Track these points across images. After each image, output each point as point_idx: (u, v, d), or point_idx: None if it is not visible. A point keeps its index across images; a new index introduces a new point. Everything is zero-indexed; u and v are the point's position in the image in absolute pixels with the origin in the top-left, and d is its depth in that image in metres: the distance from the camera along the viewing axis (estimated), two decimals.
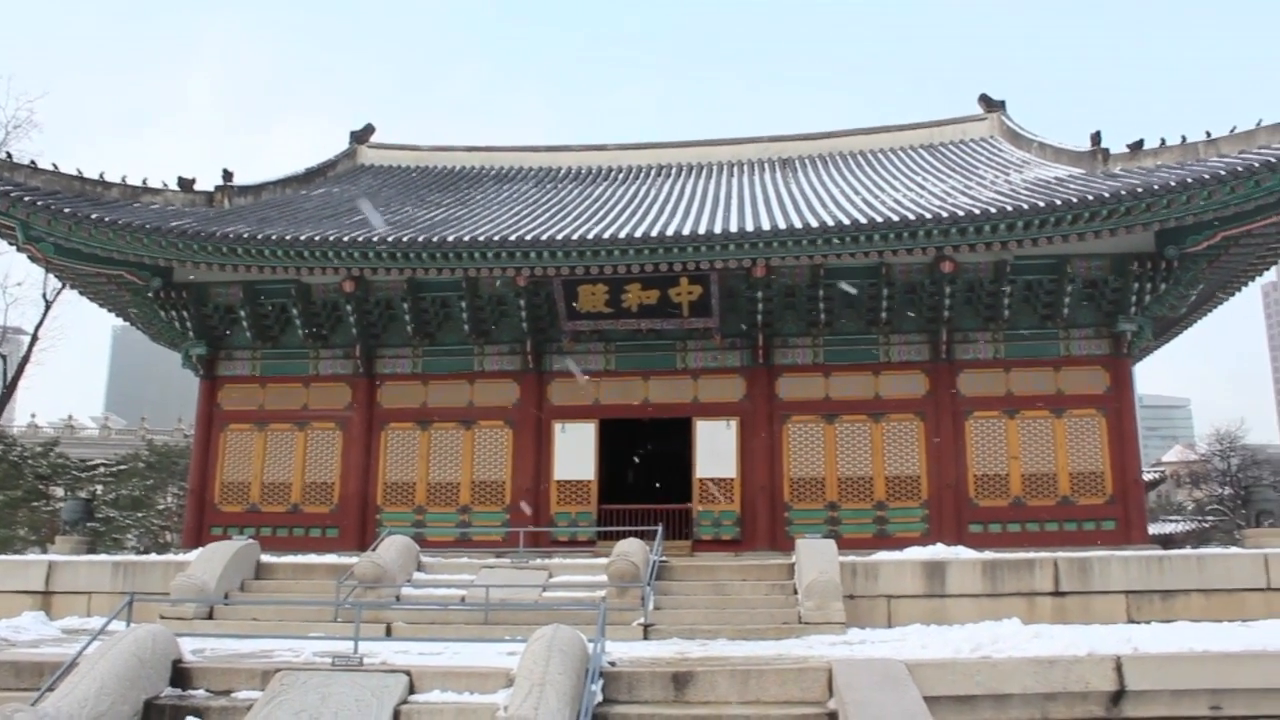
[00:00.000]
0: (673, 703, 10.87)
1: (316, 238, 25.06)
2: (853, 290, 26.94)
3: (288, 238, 25.09)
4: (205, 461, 28.82)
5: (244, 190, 31.06)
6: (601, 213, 28.91)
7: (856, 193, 29.17)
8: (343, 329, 28.79)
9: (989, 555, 17.75)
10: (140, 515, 44.75)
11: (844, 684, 10.17)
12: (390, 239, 24.94)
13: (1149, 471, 48.63)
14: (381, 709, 10.72)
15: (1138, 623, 16.06)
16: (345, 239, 25.01)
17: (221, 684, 11.74)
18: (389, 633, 16.17)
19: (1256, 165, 22.71)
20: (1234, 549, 20.65)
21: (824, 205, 27.40)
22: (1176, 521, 53.69)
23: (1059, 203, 23.43)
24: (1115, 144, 27.57)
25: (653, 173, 36.49)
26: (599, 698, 10.74)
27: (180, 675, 11.93)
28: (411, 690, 11.16)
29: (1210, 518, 50.56)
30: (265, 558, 19.71)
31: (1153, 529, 34.80)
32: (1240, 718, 11.06)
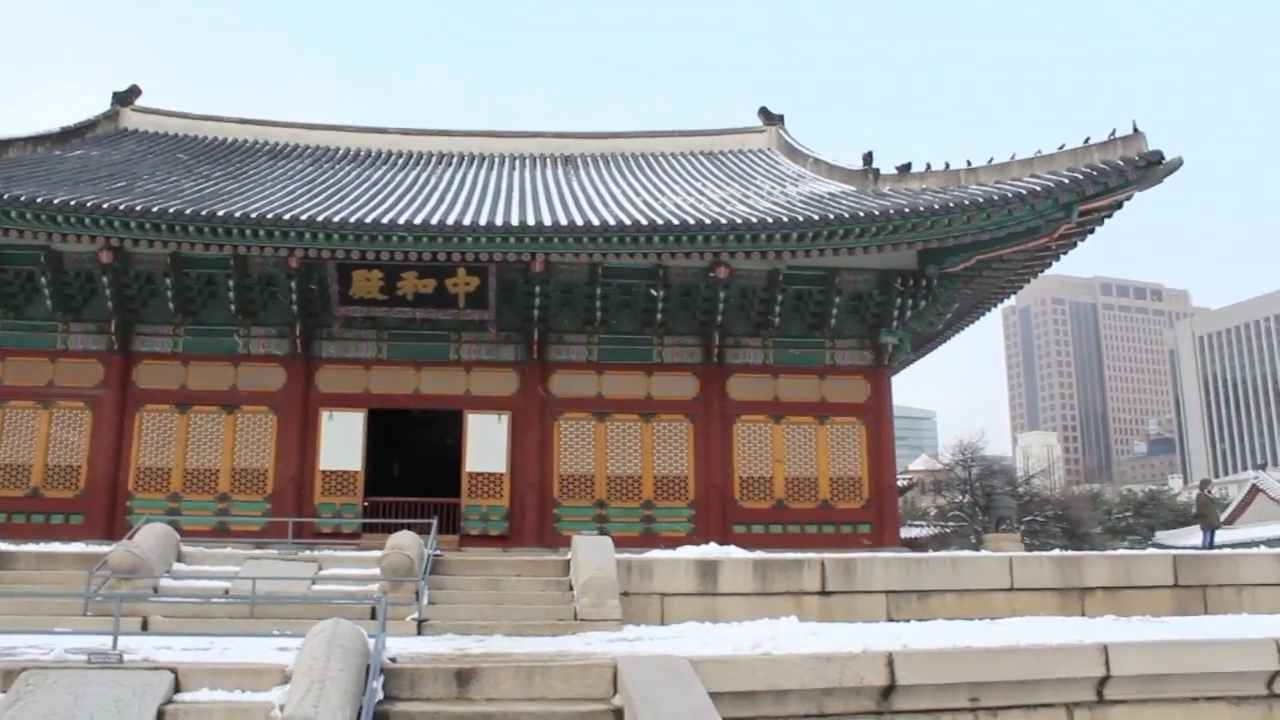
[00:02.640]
0: (456, 699, 10.63)
1: (72, 202, 23.42)
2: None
3: (39, 199, 23.35)
4: None
5: None
6: (380, 197, 28.22)
7: (637, 194, 29.55)
8: (97, 302, 26.95)
9: (760, 555, 18.18)
10: None
11: (630, 681, 10.18)
12: (154, 209, 23.58)
13: (899, 479, 51.21)
14: (144, 710, 10.01)
15: (897, 621, 16.77)
16: (105, 205, 23.46)
17: None
18: (145, 626, 15.18)
19: (1010, 195, 24.30)
20: (984, 553, 21.97)
21: (605, 204, 27.67)
22: (921, 526, 56.80)
23: (831, 217, 24.37)
24: (885, 164, 28.95)
25: (434, 160, 35.92)
26: (381, 695, 10.39)
27: None
28: (177, 689, 10.47)
29: (951, 523, 53.73)
30: (3, 546, 18.20)
31: (901, 533, 36.60)
32: (996, 708, 11.73)
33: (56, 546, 19.35)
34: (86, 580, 16.14)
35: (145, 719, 9.86)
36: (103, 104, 36.85)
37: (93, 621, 14.69)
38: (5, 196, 23.37)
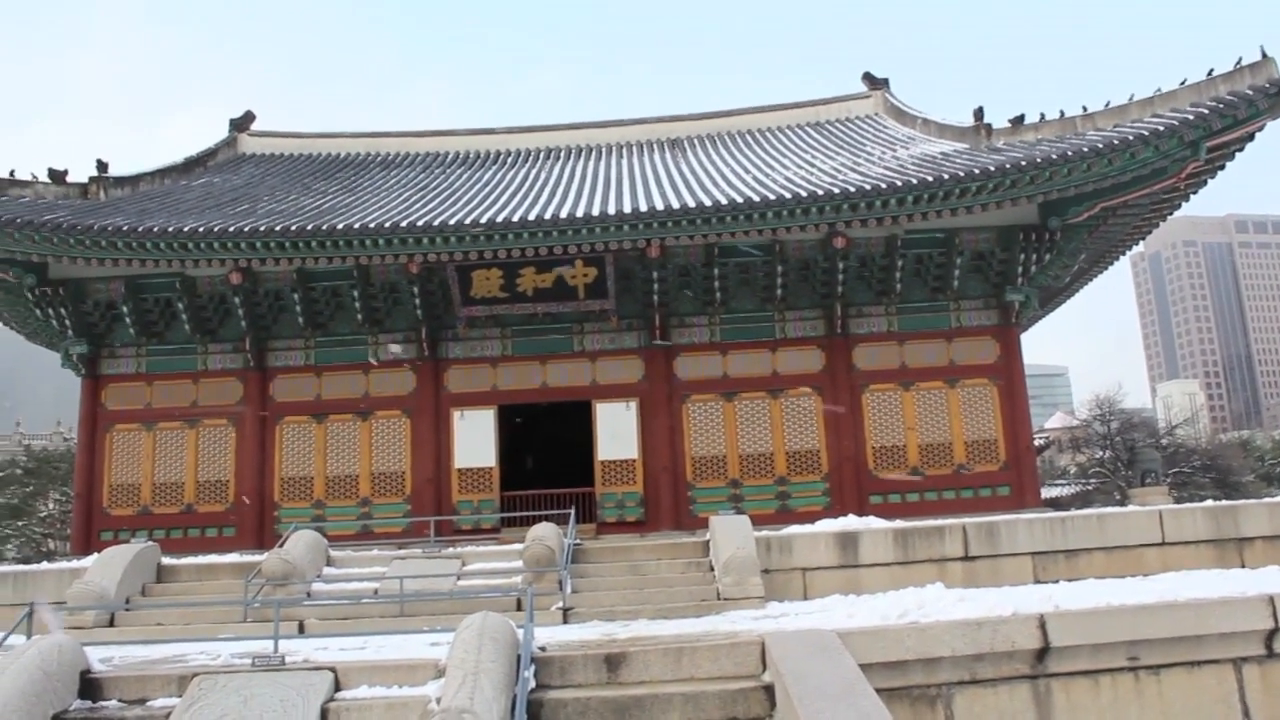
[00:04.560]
0: (606, 684, 10.77)
1: (201, 228, 24.31)
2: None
3: (170, 229, 24.29)
4: (91, 464, 27.77)
5: (120, 181, 29.91)
6: (492, 197, 28.59)
7: (747, 171, 29.36)
8: (231, 322, 27.97)
9: (900, 524, 18.02)
10: (20, 524, 43.06)
11: (779, 656, 10.17)
12: (278, 228, 24.32)
13: (1035, 438, 50.19)
14: (308, 708, 10.39)
15: (1044, 582, 16.47)
16: (231, 229, 24.31)
17: (135, 692, 11.23)
18: (302, 630, 15.76)
19: (1131, 138, 23.50)
20: (1131, 507, 21.33)
21: (716, 184, 27.54)
22: (1062, 485, 55.41)
23: (946, 177, 23.92)
24: (997, 119, 28.28)
25: (541, 156, 36.24)
26: (532, 684, 10.59)
27: (89, 686, 11.37)
28: (338, 687, 10.83)
29: (1093, 480, 52.32)
30: (166, 560, 19.04)
31: (1041, 493, 35.85)
32: (1157, 666, 11.40)
33: (213, 558, 20.21)
34: (244, 589, 16.80)
35: (310, 717, 10.23)
36: (223, 130, 38.14)
37: (252, 627, 15.31)
38: (140, 229, 24.34)
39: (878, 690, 9.54)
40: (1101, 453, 53.48)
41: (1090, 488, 51.32)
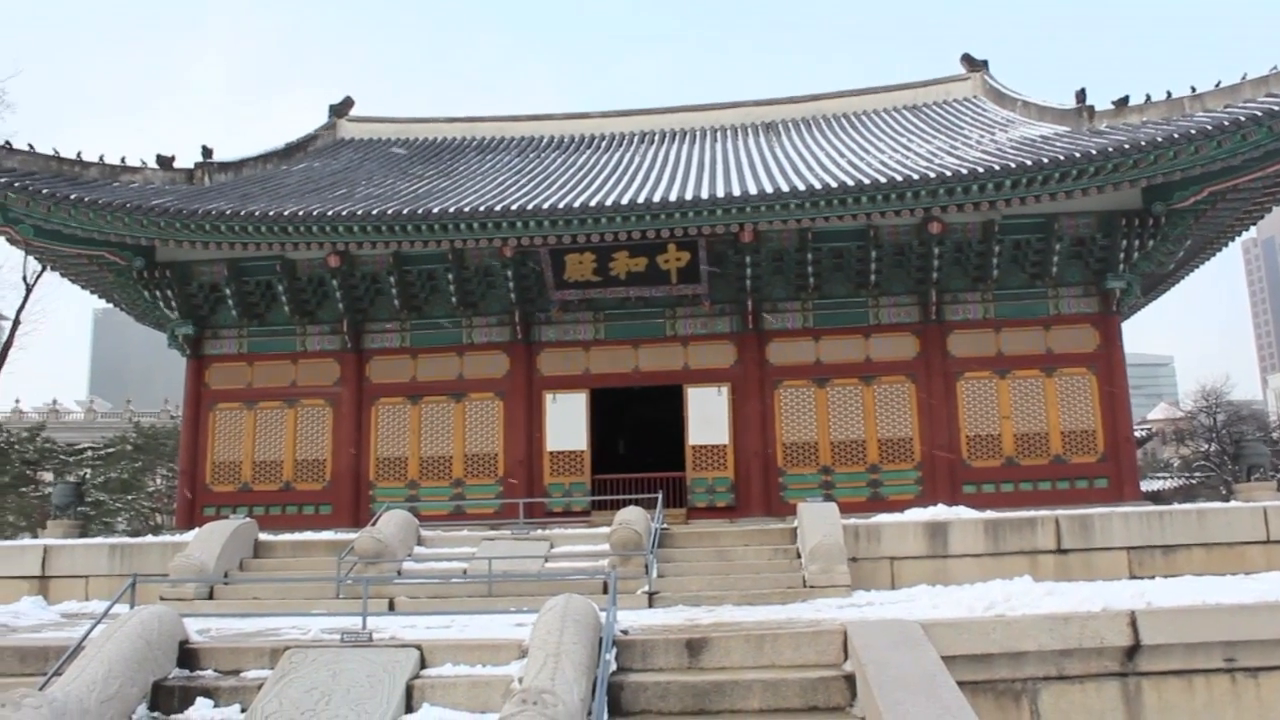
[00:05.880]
0: (688, 669, 10.81)
1: (300, 213, 24.84)
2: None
3: (271, 213, 24.87)
4: (195, 442, 28.64)
5: (224, 167, 30.71)
6: (586, 181, 28.72)
7: (842, 155, 29.04)
8: (329, 304, 28.56)
9: (991, 515, 17.74)
10: (130, 498, 44.51)
11: (860, 645, 10.12)
12: (375, 212, 24.72)
13: (1136, 429, 48.95)
14: (394, 684, 10.62)
15: (1139, 578, 16.09)
16: (329, 213, 24.78)
17: (230, 663, 11.60)
18: (392, 607, 16.08)
19: (1243, 119, 22.69)
20: (1234, 503, 20.72)
21: (810, 168, 27.29)
22: (1164, 478, 54.04)
23: (1046, 161, 23.38)
24: (1100, 100, 27.62)
25: (636, 139, 36.29)
26: (613, 666, 10.68)
27: (187, 656, 11.78)
28: (423, 664, 11.05)
29: (1197, 474, 50.95)
30: (263, 536, 19.56)
31: (1142, 486, 34.98)
32: (1255, 669, 11.08)
33: (309, 535, 20.74)
34: (337, 565, 17.18)
35: (395, 693, 10.44)
36: (324, 116, 38.89)
37: (344, 604, 15.67)
38: (243, 213, 24.97)
39: (961, 683, 9.43)
40: (1206, 446, 52.08)
41: (1194, 482, 49.96)
